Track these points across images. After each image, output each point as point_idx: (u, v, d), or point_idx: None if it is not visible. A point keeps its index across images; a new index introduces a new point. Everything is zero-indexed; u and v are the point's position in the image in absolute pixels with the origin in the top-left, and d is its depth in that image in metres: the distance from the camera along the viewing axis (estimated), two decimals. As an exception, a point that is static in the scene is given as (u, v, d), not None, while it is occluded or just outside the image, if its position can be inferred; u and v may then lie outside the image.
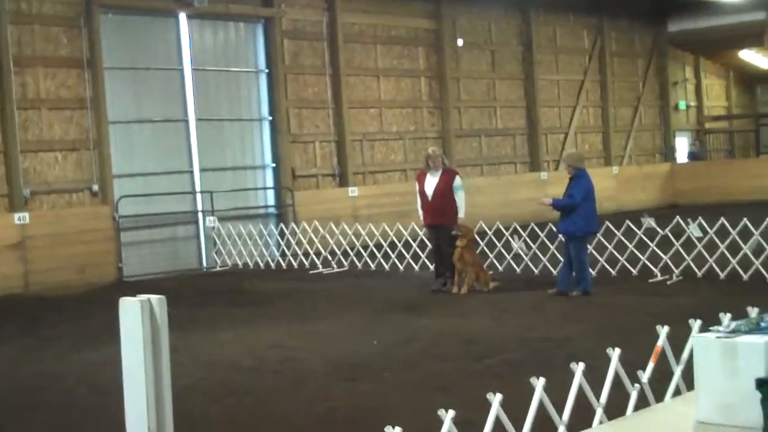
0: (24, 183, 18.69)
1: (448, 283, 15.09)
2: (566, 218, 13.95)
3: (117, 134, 20.19)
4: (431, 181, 15.18)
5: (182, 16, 21.38)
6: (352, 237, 20.16)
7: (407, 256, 18.37)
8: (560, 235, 14.58)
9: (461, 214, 15.01)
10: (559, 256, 16.25)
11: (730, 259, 14.86)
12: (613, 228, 16.32)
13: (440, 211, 15.02)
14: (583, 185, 13.90)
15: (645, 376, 6.67)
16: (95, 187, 19.67)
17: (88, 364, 10.79)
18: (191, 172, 21.50)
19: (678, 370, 6.74)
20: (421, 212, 15.46)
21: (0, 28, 18.35)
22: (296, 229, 21.03)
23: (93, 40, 19.56)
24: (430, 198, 15.14)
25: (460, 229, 14.97)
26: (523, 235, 17.50)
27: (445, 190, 15.05)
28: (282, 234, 21.27)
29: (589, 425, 6.12)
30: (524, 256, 17.06)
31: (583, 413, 6.24)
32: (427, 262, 17.86)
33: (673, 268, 15.08)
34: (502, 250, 17.53)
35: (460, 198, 15.12)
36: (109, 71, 20.02)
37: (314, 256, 19.54)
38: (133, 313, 3.89)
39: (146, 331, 3.87)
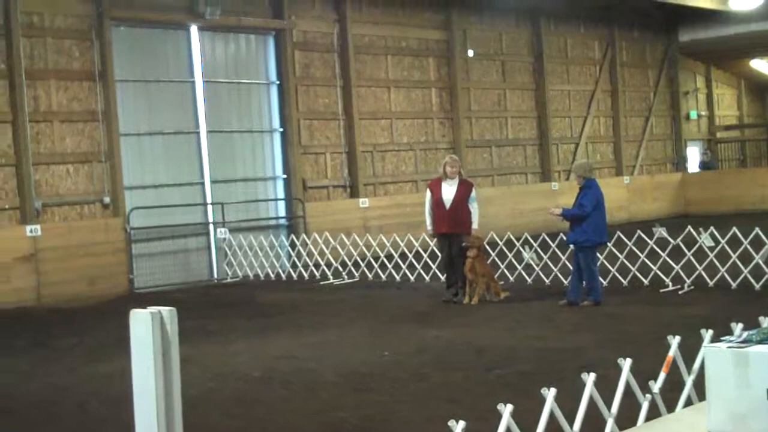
0: (36, 195, 18.75)
1: (460, 293, 15.08)
2: (576, 228, 13.94)
3: (128, 146, 20.26)
4: (449, 190, 15.18)
5: (193, 29, 21.46)
6: (363, 248, 20.16)
7: (418, 267, 18.36)
8: (570, 245, 14.54)
9: (476, 225, 15.11)
10: (569, 266, 16.25)
11: (742, 268, 14.81)
12: (624, 238, 16.29)
13: (457, 220, 15.04)
14: (593, 195, 13.89)
15: (656, 386, 6.65)
16: (107, 199, 19.72)
17: (101, 376, 10.81)
18: (202, 184, 21.54)
19: (689, 381, 6.73)
20: (429, 220, 15.40)
21: (12, 41, 18.44)
22: (307, 240, 21.05)
23: (105, 53, 19.64)
24: (447, 206, 15.10)
25: (470, 240, 14.98)
26: (534, 245, 17.50)
27: (463, 199, 15.12)
28: (293, 245, 21.29)
29: (600, 436, 6.11)
30: (535, 267, 17.04)
31: (594, 423, 6.23)
32: (438, 273, 17.86)
33: (684, 277, 15.04)
34: (513, 261, 17.52)
35: (475, 209, 15.21)
36: (121, 84, 20.10)
37: (325, 267, 19.55)
38: (143, 325, 3.91)
39: (157, 343, 3.88)
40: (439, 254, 16.62)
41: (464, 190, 15.18)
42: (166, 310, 3.95)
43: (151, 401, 3.87)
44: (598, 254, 14.64)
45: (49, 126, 19.17)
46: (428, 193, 15.52)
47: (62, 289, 18.36)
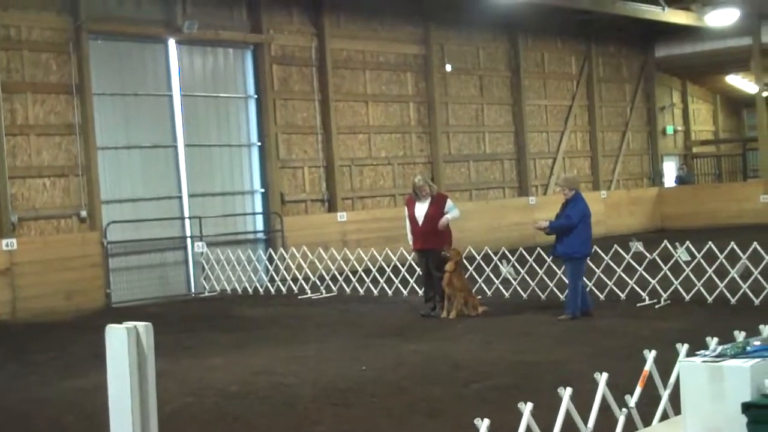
0: (12, 209, 18.65)
1: (437, 307, 15.08)
2: (563, 240, 13.93)
3: (106, 160, 20.20)
4: (421, 207, 15.18)
5: (171, 42, 21.45)
6: (341, 262, 20.16)
7: (396, 281, 18.36)
8: (558, 257, 14.45)
9: (449, 217, 15.06)
10: (547, 280, 16.30)
11: (718, 283, 14.88)
12: (601, 252, 16.35)
13: (431, 236, 14.98)
14: (580, 207, 13.93)
15: (633, 400, 6.68)
16: (83, 213, 19.64)
17: (76, 390, 10.74)
18: (180, 198, 21.49)
19: (665, 395, 6.76)
20: (410, 237, 15.47)
21: (-11, 55, 18.38)
22: (285, 254, 21.02)
23: (82, 66, 19.60)
24: (420, 223, 15.12)
25: (449, 251, 15.02)
26: (512, 259, 17.54)
27: (435, 215, 15.02)
28: (271, 259, 21.26)
29: (577, 450, 6.13)
30: (513, 281, 17.08)
31: (571, 438, 6.25)
32: (416, 287, 17.87)
33: (661, 292, 15.11)
34: (491, 275, 17.55)
35: (455, 214, 15.19)
36: (98, 97, 20.04)
37: (303, 282, 19.53)
38: (119, 340, 3.90)
39: (132, 358, 3.87)
40: (417, 269, 16.65)
41: (437, 206, 15.11)
42: (142, 325, 3.95)
43: (127, 416, 3.86)
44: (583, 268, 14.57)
45: (26, 139, 19.09)
46: (406, 209, 15.61)
47: (38, 303, 18.25)
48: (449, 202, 15.31)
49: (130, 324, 3.93)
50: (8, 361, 13.25)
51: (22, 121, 19.03)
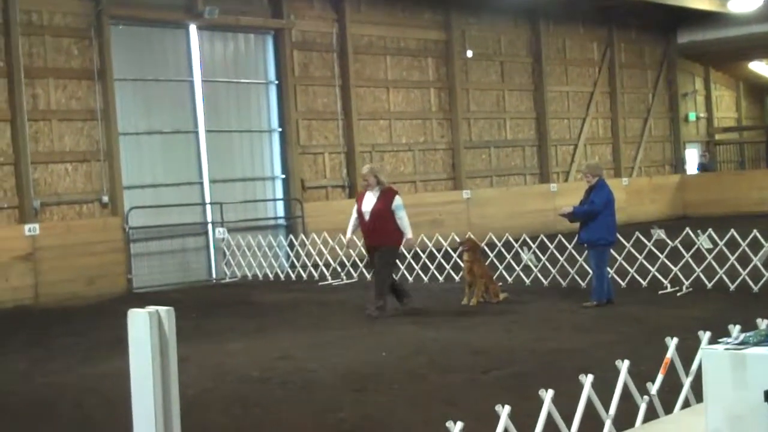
0: (34, 194, 18.74)
1: (382, 308, 14.12)
2: (587, 227, 13.84)
3: (127, 145, 20.25)
4: (369, 201, 14.28)
5: (192, 28, 21.46)
6: (362, 248, 20.11)
7: (416, 268, 18.35)
8: (584, 245, 14.38)
9: (409, 235, 14.21)
10: (568, 267, 16.26)
11: (740, 270, 14.80)
12: (623, 239, 16.28)
13: (378, 232, 14.12)
14: (605, 194, 13.86)
15: (654, 387, 6.66)
16: (105, 199, 19.71)
17: (98, 375, 10.80)
18: (201, 184, 21.54)
19: (687, 382, 6.73)
20: (350, 229, 14.71)
21: (11, 39, 18.44)
22: (305, 240, 21.03)
23: (103, 52, 19.64)
24: (367, 218, 14.24)
25: (464, 243, 15.00)
26: (533, 246, 17.50)
27: (383, 210, 14.12)
28: (291, 245, 21.28)
29: (598, 437, 6.12)
30: (533, 268, 17.04)
31: (592, 425, 6.23)
32: (437, 274, 17.88)
33: (683, 279, 15.03)
34: (512, 262, 17.51)
35: (403, 218, 14.18)
36: (120, 82, 20.09)
37: (323, 268, 19.54)
38: (141, 325, 3.91)
39: (154, 342, 3.88)
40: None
41: (385, 200, 14.16)
42: (164, 310, 3.95)
43: (149, 400, 3.87)
44: (608, 255, 14.49)
45: (48, 125, 19.16)
46: (356, 204, 14.71)
47: (60, 288, 18.35)
48: (397, 200, 14.26)
49: (152, 308, 3.93)
50: (31, 346, 13.34)
51: (44, 106, 19.09)
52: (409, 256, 18.63)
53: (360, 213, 14.39)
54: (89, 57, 19.64)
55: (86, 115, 19.60)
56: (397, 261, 15.11)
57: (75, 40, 19.56)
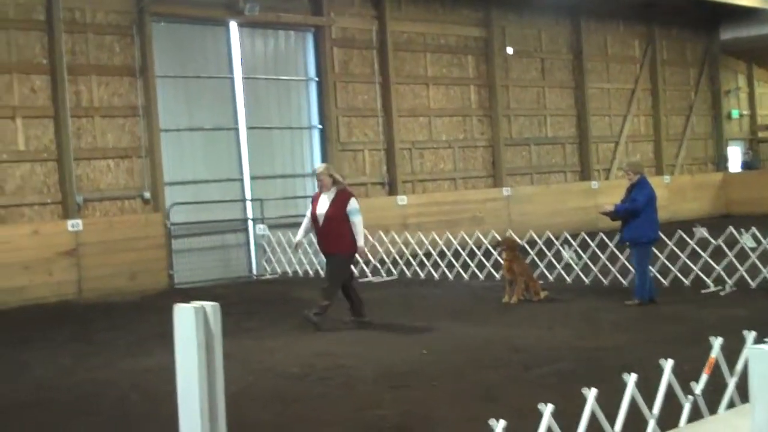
0: (77, 190, 18.92)
1: (322, 317, 13.03)
2: (629, 225, 13.72)
3: (168, 142, 20.38)
4: (323, 204, 13.12)
5: (233, 25, 21.55)
6: (401, 245, 20.15)
7: (457, 265, 18.32)
8: (626, 243, 14.27)
9: (360, 243, 13.08)
10: (609, 265, 16.16)
11: (785, 269, 14.64)
12: (665, 238, 16.14)
13: (331, 238, 13.04)
14: (646, 191, 13.75)
15: (698, 387, 6.59)
16: (147, 195, 19.85)
17: (140, 370, 10.88)
18: (241, 180, 21.63)
19: (732, 382, 6.66)
20: (301, 231, 13.74)
21: (54, 37, 18.63)
22: (345, 237, 21.00)
23: (145, 49, 19.78)
24: (320, 222, 13.10)
25: (502, 243, 14.99)
26: (574, 244, 17.39)
27: (336, 214, 12.99)
28: (331, 242, 21.26)
29: (642, 437, 6.06)
30: (575, 266, 16.94)
31: (635, 425, 6.18)
32: (477, 272, 17.82)
33: (726, 278, 14.89)
34: (552, 260, 17.42)
35: (356, 224, 13.04)
36: (161, 79, 20.22)
37: (363, 265, 19.54)
38: (187, 320, 3.92)
39: (200, 337, 3.89)
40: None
41: (339, 203, 13.03)
42: (210, 305, 3.96)
43: (195, 396, 3.88)
44: (650, 253, 14.36)
45: (90, 121, 19.33)
46: (310, 205, 13.62)
47: (103, 283, 18.52)
48: (352, 204, 13.10)
49: (198, 304, 3.95)
50: (74, 341, 13.47)
51: (86, 103, 19.26)
52: (449, 254, 18.61)
53: (314, 217, 13.23)
54: (131, 54, 19.79)
55: (128, 111, 19.74)
56: (352, 268, 13.86)
57: (117, 37, 19.71)
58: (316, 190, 13.61)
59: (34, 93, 18.65)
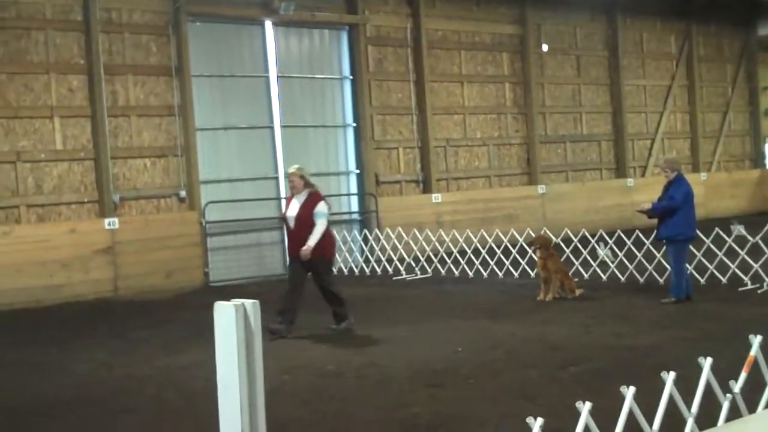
0: (114, 189, 19.07)
1: (287, 328, 12.69)
2: (666, 223, 13.62)
3: (204, 141, 20.49)
4: (294, 206, 12.88)
5: (268, 24, 21.62)
6: (436, 243, 20.14)
7: (491, 263, 18.28)
8: (663, 241, 14.17)
9: (310, 243, 12.56)
10: (646, 263, 16.06)
11: (824, 267, 14.49)
12: (702, 235, 16.02)
13: (303, 241, 12.66)
14: (684, 189, 13.64)
15: (737, 386, 6.53)
16: (182, 193, 19.97)
17: (177, 367, 10.95)
18: (276, 179, 21.70)
19: (771, 381, 6.60)
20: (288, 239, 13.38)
21: (91, 37, 18.78)
22: (380, 235, 21.08)
23: (181, 48, 19.89)
24: (291, 225, 12.84)
25: (535, 241, 14.98)
26: (609, 242, 17.31)
27: (306, 217, 12.71)
28: (366, 240, 21.34)
29: (680, 435, 6.03)
30: (610, 264, 16.86)
31: (673, 423, 6.14)
32: (512, 270, 17.77)
33: (764, 276, 14.74)
34: (588, 257, 17.34)
35: (317, 228, 12.65)
36: (197, 79, 20.33)
37: (398, 263, 19.57)
38: (227, 317, 3.94)
39: (240, 335, 3.91)
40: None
41: (310, 206, 12.76)
42: (250, 303, 3.98)
43: (235, 393, 3.90)
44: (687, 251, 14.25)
45: (127, 120, 19.47)
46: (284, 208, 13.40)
47: (139, 281, 18.67)
48: (320, 207, 12.79)
49: (238, 301, 3.97)
50: (111, 338, 13.57)
51: (123, 102, 19.40)
52: (484, 252, 18.57)
53: (285, 219, 13.07)
54: (167, 54, 19.91)
55: (164, 110, 19.87)
56: (307, 274, 13.12)
57: (153, 37, 19.83)
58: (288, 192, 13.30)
59: (72, 93, 18.82)
